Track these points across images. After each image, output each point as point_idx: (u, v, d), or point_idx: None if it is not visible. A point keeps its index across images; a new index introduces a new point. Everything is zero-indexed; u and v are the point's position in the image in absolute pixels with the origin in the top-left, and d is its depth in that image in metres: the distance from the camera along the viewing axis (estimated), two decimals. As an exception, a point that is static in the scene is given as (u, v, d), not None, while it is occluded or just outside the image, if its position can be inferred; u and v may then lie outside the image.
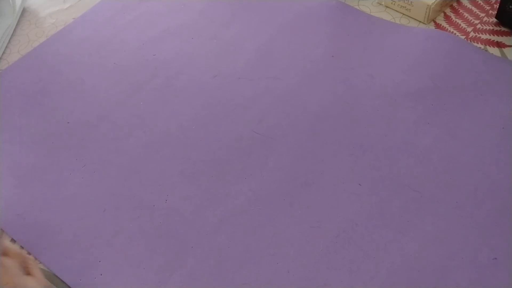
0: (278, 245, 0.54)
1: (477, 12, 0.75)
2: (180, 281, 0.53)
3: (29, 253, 0.57)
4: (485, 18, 0.74)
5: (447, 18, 0.75)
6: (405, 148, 0.60)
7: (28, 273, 0.50)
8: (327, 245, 0.54)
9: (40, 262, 0.56)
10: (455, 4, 0.77)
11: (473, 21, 0.74)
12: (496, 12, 0.73)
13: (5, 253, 0.50)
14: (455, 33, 0.73)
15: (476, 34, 0.72)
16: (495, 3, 0.76)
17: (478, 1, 0.77)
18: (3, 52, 0.82)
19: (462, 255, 0.51)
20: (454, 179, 0.57)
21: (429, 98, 0.65)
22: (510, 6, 0.69)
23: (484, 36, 0.72)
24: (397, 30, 0.74)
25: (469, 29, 0.73)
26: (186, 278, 0.53)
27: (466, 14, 0.75)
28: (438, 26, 0.74)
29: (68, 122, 0.69)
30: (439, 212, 0.54)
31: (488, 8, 0.75)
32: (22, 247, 0.57)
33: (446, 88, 0.65)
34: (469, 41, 0.71)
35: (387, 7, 0.78)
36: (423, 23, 0.75)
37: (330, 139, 0.62)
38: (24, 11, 0.90)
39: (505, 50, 0.69)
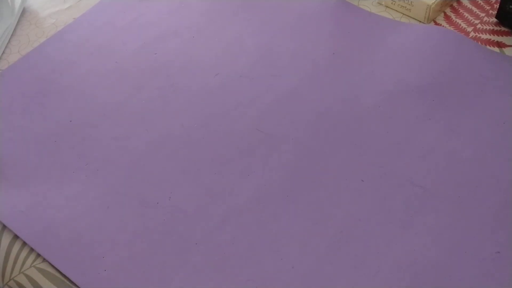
0: (281, 241, 0.54)
1: (477, 12, 0.76)
2: (184, 278, 0.53)
3: (32, 249, 0.57)
4: (485, 18, 0.74)
5: (447, 18, 0.75)
6: (407, 144, 0.61)
7: None
8: (331, 241, 0.54)
9: (44, 260, 0.56)
10: (455, 4, 0.77)
11: (473, 21, 0.74)
12: (496, 12, 0.73)
13: None
14: (455, 33, 0.73)
15: (476, 34, 0.73)
16: (495, 3, 0.76)
17: (478, 1, 0.77)
18: (3, 52, 0.82)
19: (465, 250, 0.51)
20: (457, 174, 0.57)
21: (430, 94, 0.65)
22: (510, 6, 0.69)
23: (484, 36, 0.72)
24: (397, 27, 0.74)
25: (469, 29, 0.73)
26: (190, 275, 0.53)
27: (466, 14, 0.76)
28: (438, 26, 0.74)
29: (71, 121, 0.69)
30: (442, 207, 0.55)
31: (488, 8, 0.76)
32: (25, 243, 0.58)
33: (447, 84, 0.66)
34: (469, 40, 0.72)
35: (387, 7, 0.78)
36: (423, 23, 0.75)
37: (332, 136, 0.62)
38: (24, 11, 0.90)
39: (505, 49, 0.70)
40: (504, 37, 0.71)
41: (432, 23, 0.75)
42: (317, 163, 0.60)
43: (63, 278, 0.55)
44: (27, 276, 0.56)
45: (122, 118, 0.69)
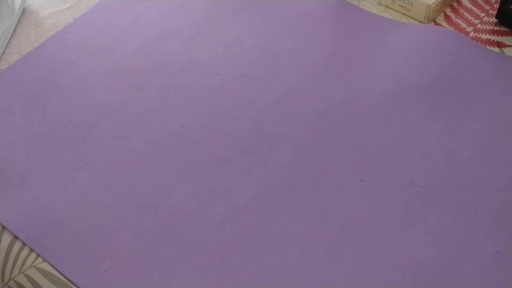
0: (282, 241, 0.54)
1: (477, 12, 0.76)
2: (184, 278, 0.53)
3: (32, 249, 0.57)
4: (485, 18, 0.74)
5: (447, 18, 0.75)
6: (407, 144, 0.61)
7: None
8: (331, 241, 0.54)
9: (44, 260, 0.56)
10: (455, 4, 0.77)
11: (473, 21, 0.74)
12: (496, 12, 0.73)
13: None
14: (455, 33, 0.73)
15: (476, 34, 0.73)
16: (495, 3, 0.76)
17: (478, 1, 0.77)
18: (3, 52, 0.82)
19: (465, 250, 0.51)
20: (457, 174, 0.57)
21: (430, 94, 0.65)
22: (510, 6, 0.69)
23: (484, 36, 0.72)
24: (397, 27, 0.74)
25: (469, 29, 0.73)
26: (191, 275, 0.53)
27: (466, 14, 0.76)
28: (438, 26, 0.74)
29: (71, 121, 0.69)
30: (442, 207, 0.55)
31: (488, 8, 0.76)
32: (24, 244, 0.58)
33: (447, 84, 0.66)
34: (469, 40, 0.72)
35: (387, 7, 0.78)
36: (423, 23, 0.75)
37: (332, 136, 0.62)
38: (24, 11, 0.90)
39: (505, 50, 0.70)
40: (504, 37, 0.71)
41: (432, 23, 0.75)
42: (317, 163, 0.60)
43: (63, 278, 0.55)
44: (27, 276, 0.56)
45: (122, 118, 0.69)
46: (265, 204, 0.57)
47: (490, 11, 0.75)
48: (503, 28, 0.73)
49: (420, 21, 0.75)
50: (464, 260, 0.51)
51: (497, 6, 0.73)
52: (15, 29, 0.86)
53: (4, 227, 0.60)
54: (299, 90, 0.68)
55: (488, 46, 0.70)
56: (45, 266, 0.56)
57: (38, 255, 0.57)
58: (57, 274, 0.55)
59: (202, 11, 0.83)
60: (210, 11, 0.82)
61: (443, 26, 0.74)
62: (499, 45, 0.70)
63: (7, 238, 0.59)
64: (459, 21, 0.75)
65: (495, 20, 0.74)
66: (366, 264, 0.52)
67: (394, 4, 0.77)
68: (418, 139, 0.61)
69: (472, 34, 0.73)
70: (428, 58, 0.69)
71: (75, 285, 0.54)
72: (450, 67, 0.67)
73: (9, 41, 0.84)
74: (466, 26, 0.74)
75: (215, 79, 0.71)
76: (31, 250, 0.57)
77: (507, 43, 0.70)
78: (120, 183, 0.62)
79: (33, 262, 0.56)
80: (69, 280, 0.54)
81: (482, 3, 0.77)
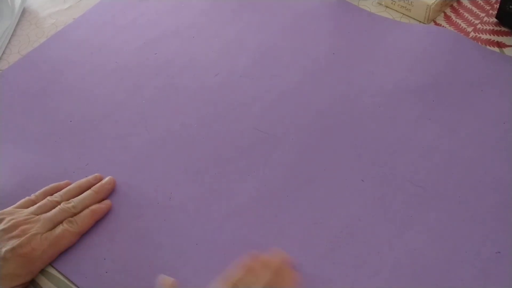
0: (282, 241, 0.54)
1: (477, 12, 0.76)
2: (185, 278, 0.53)
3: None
4: (485, 18, 0.74)
5: (447, 18, 0.75)
6: (407, 144, 0.60)
7: None
8: (331, 240, 0.54)
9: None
10: (455, 4, 0.77)
11: (473, 21, 0.74)
12: (496, 12, 0.73)
13: None
14: (455, 33, 0.73)
15: (476, 34, 0.72)
16: (495, 3, 0.76)
17: (478, 1, 0.77)
18: (3, 53, 0.82)
19: (465, 250, 0.51)
20: (457, 174, 0.57)
21: (430, 94, 0.65)
22: (510, 6, 0.69)
23: (484, 36, 0.72)
24: (397, 27, 0.74)
25: (469, 29, 0.73)
26: (191, 275, 0.53)
27: (466, 14, 0.75)
28: (438, 26, 0.74)
29: (71, 121, 0.69)
30: (442, 207, 0.55)
31: (488, 8, 0.76)
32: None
33: (447, 84, 0.66)
34: (469, 40, 0.72)
35: (387, 7, 0.78)
36: (423, 23, 0.75)
37: (332, 136, 0.62)
38: (24, 11, 0.90)
39: (505, 50, 0.70)
40: (504, 37, 0.71)
41: (432, 23, 0.75)
42: (317, 163, 0.60)
43: (63, 279, 0.55)
44: (27, 276, 0.56)
45: (122, 118, 0.69)
46: (265, 204, 0.57)
47: (490, 11, 0.75)
48: (503, 28, 0.73)
49: (420, 21, 0.75)
50: (464, 260, 0.51)
51: (497, 6, 0.73)
52: (15, 29, 0.86)
53: (4, 227, 0.60)
54: (299, 90, 0.68)
55: (488, 46, 0.70)
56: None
57: (38, 255, 0.57)
58: (57, 274, 0.55)
59: (202, 11, 0.83)
60: (210, 10, 0.82)
61: (443, 26, 0.74)
62: (499, 45, 0.70)
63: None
64: (459, 21, 0.75)
65: (495, 20, 0.74)
66: (367, 263, 0.52)
67: (394, 4, 0.77)
68: (418, 139, 0.61)
69: (472, 34, 0.73)
70: (428, 58, 0.69)
71: (75, 285, 0.54)
72: (450, 67, 0.67)
73: (9, 41, 0.84)
74: (466, 26, 0.74)
75: (215, 79, 0.71)
76: (31, 250, 0.57)
77: (507, 43, 0.70)
78: (120, 183, 0.62)
79: (33, 262, 0.56)
80: (69, 280, 0.54)
81: (482, 3, 0.77)
